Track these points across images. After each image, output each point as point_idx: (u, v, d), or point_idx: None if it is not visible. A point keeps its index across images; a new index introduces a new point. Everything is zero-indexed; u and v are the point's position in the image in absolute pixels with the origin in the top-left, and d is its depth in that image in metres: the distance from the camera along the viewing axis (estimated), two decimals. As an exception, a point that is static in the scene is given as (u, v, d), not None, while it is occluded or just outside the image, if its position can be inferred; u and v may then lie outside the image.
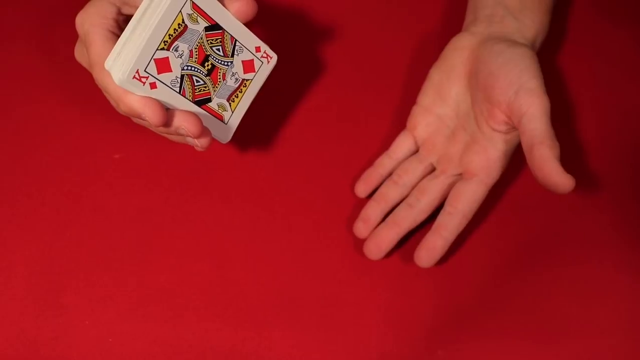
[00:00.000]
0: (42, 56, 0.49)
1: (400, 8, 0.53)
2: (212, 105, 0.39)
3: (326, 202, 0.46)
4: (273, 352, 0.41)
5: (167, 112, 0.36)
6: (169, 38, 0.35)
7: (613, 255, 0.44)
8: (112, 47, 0.36)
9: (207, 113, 0.39)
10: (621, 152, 0.48)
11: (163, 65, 0.36)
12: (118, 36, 0.37)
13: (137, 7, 0.36)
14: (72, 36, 0.49)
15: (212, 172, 0.46)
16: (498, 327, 0.42)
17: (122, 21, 0.39)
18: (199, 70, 0.38)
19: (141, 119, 0.36)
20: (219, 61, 0.38)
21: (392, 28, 0.52)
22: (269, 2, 0.52)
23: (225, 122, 0.40)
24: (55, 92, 0.47)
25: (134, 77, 0.35)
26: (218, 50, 0.38)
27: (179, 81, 0.37)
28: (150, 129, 0.40)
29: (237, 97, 0.40)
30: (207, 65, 0.38)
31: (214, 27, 0.37)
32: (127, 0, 0.38)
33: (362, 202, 0.46)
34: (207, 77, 0.38)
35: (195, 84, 0.38)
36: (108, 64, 0.35)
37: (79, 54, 0.40)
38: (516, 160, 0.48)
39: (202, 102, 0.39)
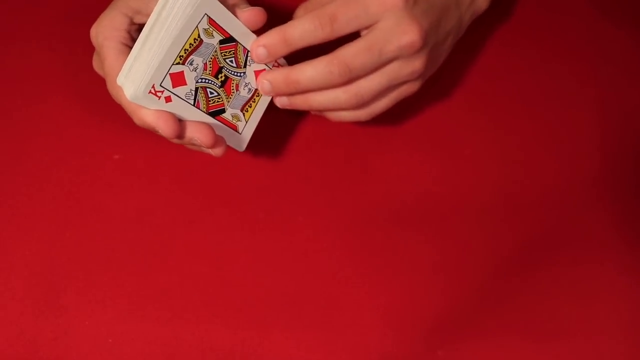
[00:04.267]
0: (42, 56, 0.49)
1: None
2: (226, 115, 0.40)
3: (326, 202, 0.46)
4: (273, 352, 0.41)
5: (181, 124, 0.37)
6: (185, 52, 0.36)
7: (613, 256, 0.44)
8: (125, 60, 0.36)
9: (221, 124, 0.40)
10: (622, 152, 0.48)
11: (178, 79, 0.36)
12: (131, 48, 0.37)
13: (149, 16, 0.36)
14: (73, 35, 0.49)
15: (212, 173, 0.46)
16: (498, 327, 0.42)
17: (135, 31, 0.39)
18: (212, 82, 0.38)
19: (155, 131, 0.37)
20: (232, 72, 0.39)
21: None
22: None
23: (240, 132, 0.41)
24: (55, 92, 0.47)
25: (150, 92, 0.35)
26: (231, 62, 0.38)
27: (194, 93, 0.37)
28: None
29: (250, 106, 0.41)
30: (221, 77, 0.38)
31: (228, 39, 0.37)
32: (139, 9, 0.38)
33: (363, 202, 0.46)
34: (221, 89, 0.39)
35: (209, 95, 0.38)
36: (120, 80, 0.36)
37: (96, 64, 0.41)
38: (516, 160, 0.48)
39: (217, 113, 0.39)
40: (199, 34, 0.36)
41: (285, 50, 0.38)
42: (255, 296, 0.43)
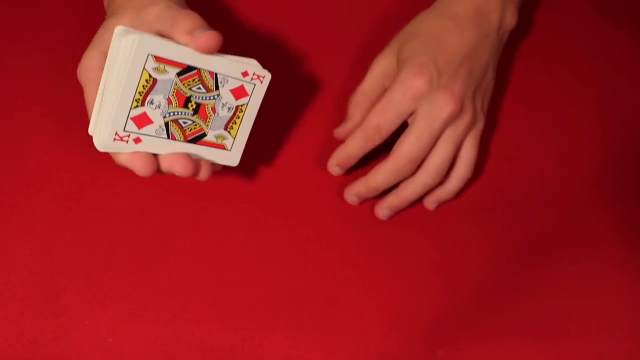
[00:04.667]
0: (42, 56, 0.49)
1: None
2: (209, 138, 0.39)
3: (326, 202, 0.46)
4: (273, 352, 0.41)
5: (156, 160, 0.37)
6: (140, 95, 0.35)
7: (613, 255, 0.44)
8: None
9: (205, 147, 0.39)
10: (622, 152, 0.48)
11: (142, 120, 0.36)
12: None
13: None
14: (72, 36, 0.49)
15: (212, 173, 0.46)
16: (498, 327, 0.42)
17: None
18: (183, 113, 0.37)
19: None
20: (203, 98, 0.38)
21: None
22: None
23: (229, 149, 0.40)
24: (55, 92, 0.47)
25: (115, 139, 0.35)
26: (199, 88, 0.37)
27: (165, 128, 0.37)
28: None
29: (235, 123, 0.40)
30: (191, 106, 0.37)
31: (186, 70, 0.36)
32: None
33: (363, 202, 0.46)
34: (195, 116, 0.38)
35: (183, 125, 0.38)
36: (90, 130, 0.37)
37: None
38: (516, 160, 0.48)
39: (197, 139, 0.39)
40: (149, 75, 0.35)
41: (351, 164, 0.45)
42: (255, 296, 0.43)
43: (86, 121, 0.47)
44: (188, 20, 0.35)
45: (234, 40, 0.50)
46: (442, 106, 0.42)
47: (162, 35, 0.36)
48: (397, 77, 0.43)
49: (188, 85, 0.37)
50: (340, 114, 0.47)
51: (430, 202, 0.45)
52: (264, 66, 0.39)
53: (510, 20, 0.46)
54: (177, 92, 0.37)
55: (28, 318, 0.41)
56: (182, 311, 0.42)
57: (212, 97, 0.38)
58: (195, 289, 0.43)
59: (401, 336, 0.42)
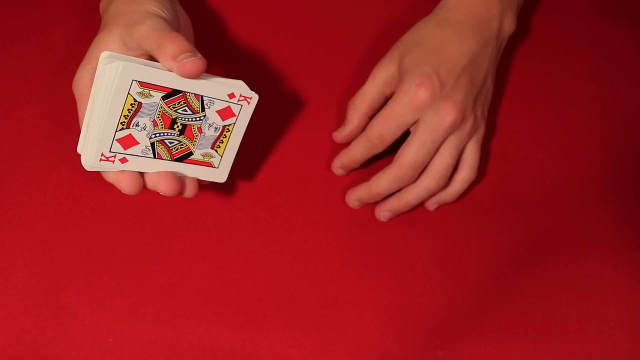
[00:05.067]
0: (42, 56, 0.49)
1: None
2: (196, 157, 0.39)
3: (326, 202, 0.46)
4: (273, 352, 0.41)
5: (142, 179, 0.37)
6: (125, 118, 0.35)
7: (613, 255, 0.44)
8: None
9: (192, 165, 0.39)
10: (622, 152, 0.48)
11: (128, 141, 0.36)
12: None
13: None
14: (72, 36, 0.49)
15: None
16: (498, 327, 0.42)
17: None
18: (169, 134, 0.37)
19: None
20: (189, 119, 0.38)
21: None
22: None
23: (216, 166, 0.40)
24: (55, 92, 0.47)
25: (101, 159, 0.36)
26: (184, 110, 0.37)
27: (151, 148, 0.37)
28: None
29: (222, 142, 0.40)
30: (177, 127, 0.37)
31: (171, 93, 0.36)
32: None
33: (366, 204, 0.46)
34: (181, 136, 0.38)
35: (169, 145, 0.38)
36: (79, 149, 0.37)
37: None
38: (517, 160, 0.48)
39: (184, 157, 0.39)
40: (134, 99, 0.35)
41: (354, 167, 0.46)
42: (255, 296, 0.43)
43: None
44: (173, 44, 0.35)
45: (235, 41, 0.50)
46: (444, 116, 0.42)
47: (150, 55, 0.36)
48: (400, 87, 0.43)
49: (174, 107, 0.37)
50: (341, 118, 0.47)
51: (431, 204, 0.46)
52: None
53: (509, 26, 0.46)
54: (163, 115, 0.37)
55: (28, 318, 0.41)
56: (182, 311, 0.42)
57: (198, 119, 0.38)
58: (195, 289, 0.43)
59: (401, 336, 0.42)
